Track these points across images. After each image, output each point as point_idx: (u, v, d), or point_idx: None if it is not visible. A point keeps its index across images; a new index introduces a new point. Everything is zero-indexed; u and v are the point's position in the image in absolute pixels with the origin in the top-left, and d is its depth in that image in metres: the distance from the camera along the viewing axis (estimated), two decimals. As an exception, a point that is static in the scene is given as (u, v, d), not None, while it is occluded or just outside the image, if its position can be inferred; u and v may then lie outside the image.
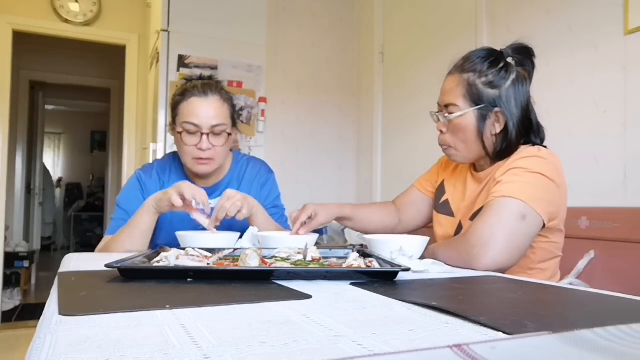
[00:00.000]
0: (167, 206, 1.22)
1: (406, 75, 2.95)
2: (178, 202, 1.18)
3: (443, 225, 1.30)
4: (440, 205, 1.33)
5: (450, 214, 1.29)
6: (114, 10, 3.80)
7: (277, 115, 3.22)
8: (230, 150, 1.57)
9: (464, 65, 1.15)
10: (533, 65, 1.17)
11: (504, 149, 1.15)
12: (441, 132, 1.20)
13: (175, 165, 1.50)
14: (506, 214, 1.02)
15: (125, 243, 1.26)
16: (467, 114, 1.13)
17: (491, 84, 1.12)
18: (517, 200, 1.03)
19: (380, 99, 3.20)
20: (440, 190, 1.36)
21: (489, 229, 1.02)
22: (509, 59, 1.16)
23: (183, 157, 1.40)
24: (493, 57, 1.14)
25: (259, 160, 1.61)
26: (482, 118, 1.13)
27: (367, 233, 1.32)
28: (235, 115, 1.46)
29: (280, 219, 1.52)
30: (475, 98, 1.13)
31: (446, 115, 1.16)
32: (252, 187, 1.50)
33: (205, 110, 1.34)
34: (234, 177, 1.50)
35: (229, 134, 1.39)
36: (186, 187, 1.20)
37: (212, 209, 1.23)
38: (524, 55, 1.16)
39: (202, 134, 1.33)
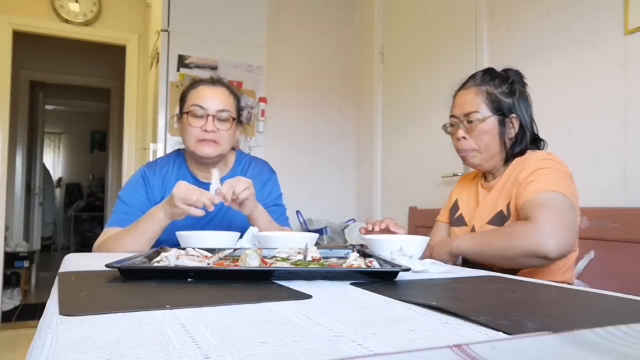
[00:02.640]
0: (182, 214, 1.22)
1: (406, 75, 2.95)
2: (200, 213, 1.19)
3: (457, 235, 1.38)
4: (455, 220, 1.43)
5: (464, 224, 1.38)
6: (114, 10, 3.80)
7: (277, 115, 3.22)
8: (233, 149, 1.58)
9: (475, 81, 1.31)
10: (524, 86, 1.33)
11: (518, 152, 1.29)
12: (463, 138, 1.30)
13: (178, 161, 1.51)
14: (561, 206, 1.11)
15: (129, 246, 1.26)
16: (489, 119, 1.27)
17: (506, 94, 1.28)
18: (560, 194, 1.13)
19: (380, 99, 3.20)
20: (455, 208, 1.45)
21: (551, 222, 1.08)
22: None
23: (187, 141, 1.41)
24: (500, 75, 1.31)
25: (262, 160, 1.63)
26: (502, 123, 1.27)
27: None
28: (240, 113, 1.51)
29: (281, 218, 1.52)
30: (495, 105, 1.27)
31: (471, 121, 1.27)
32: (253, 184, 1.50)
33: (213, 95, 1.41)
34: (237, 174, 1.51)
35: (234, 119, 1.43)
36: (193, 195, 1.18)
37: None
38: (517, 77, 1.32)
39: (208, 115, 1.38)
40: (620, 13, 1.76)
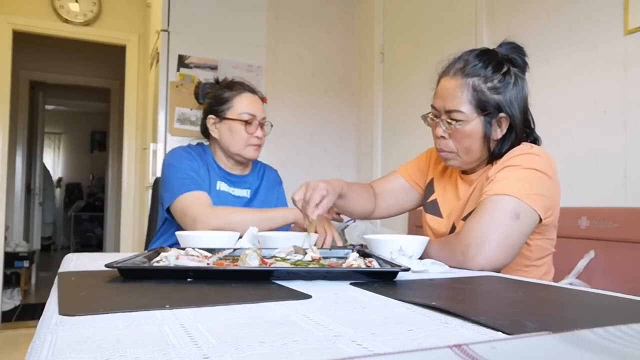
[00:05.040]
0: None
1: (406, 75, 2.95)
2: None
3: (431, 225, 1.29)
4: (428, 205, 1.32)
5: (439, 214, 1.27)
6: (114, 10, 3.80)
7: (277, 116, 3.21)
8: None
9: (465, 69, 1.11)
10: (525, 64, 1.17)
11: (504, 152, 1.14)
12: (442, 137, 1.16)
13: (205, 156, 1.57)
14: (500, 212, 1.02)
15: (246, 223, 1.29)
16: (474, 121, 1.10)
17: (497, 90, 1.10)
18: (511, 197, 1.02)
19: (380, 99, 3.20)
20: (429, 189, 1.34)
21: (483, 229, 1.01)
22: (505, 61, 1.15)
23: (235, 144, 1.51)
24: (494, 61, 1.12)
25: (273, 170, 1.75)
26: (489, 124, 1.11)
27: (350, 215, 1.34)
28: None
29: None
30: (481, 104, 1.10)
31: (452, 122, 1.12)
32: (267, 193, 1.64)
33: (258, 104, 1.56)
34: (255, 178, 1.64)
35: (272, 126, 1.59)
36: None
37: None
38: (517, 54, 1.16)
39: (258, 123, 1.53)
40: (620, 13, 1.76)
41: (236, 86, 1.56)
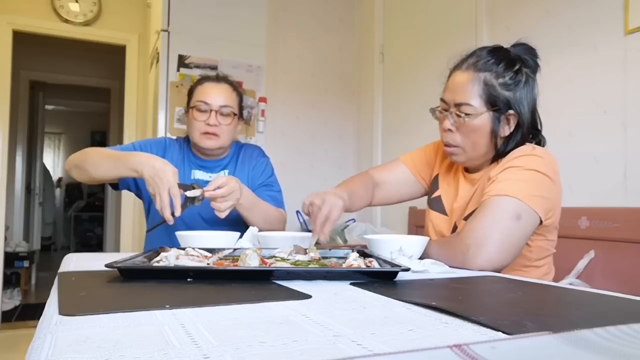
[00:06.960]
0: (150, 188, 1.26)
1: (406, 75, 2.95)
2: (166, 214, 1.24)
3: (434, 222, 1.29)
4: (432, 201, 1.32)
5: (443, 211, 1.28)
6: (114, 10, 3.80)
7: (277, 115, 3.21)
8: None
9: (477, 64, 1.12)
10: (537, 66, 1.17)
11: (509, 151, 1.14)
12: (450, 131, 1.16)
13: (186, 147, 1.62)
14: (501, 213, 1.03)
15: (98, 168, 1.35)
16: (482, 116, 1.11)
17: (507, 86, 1.11)
18: (512, 198, 1.03)
19: (380, 99, 3.20)
20: (434, 184, 1.34)
21: (484, 229, 1.02)
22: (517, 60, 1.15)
23: (192, 133, 1.53)
24: (507, 58, 1.13)
25: (255, 146, 1.71)
26: (497, 120, 1.11)
27: (348, 211, 1.31)
28: (242, 109, 1.61)
29: (271, 198, 1.56)
30: (491, 99, 1.10)
31: (460, 115, 1.12)
32: (243, 168, 1.61)
33: (216, 92, 1.52)
34: (232, 159, 1.62)
35: (235, 115, 1.54)
36: (168, 191, 1.23)
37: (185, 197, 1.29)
38: (529, 55, 1.16)
39: (211, 110, 1.49)
40: (620, 13, 1.76)
41: (203, 78, 1.58)
